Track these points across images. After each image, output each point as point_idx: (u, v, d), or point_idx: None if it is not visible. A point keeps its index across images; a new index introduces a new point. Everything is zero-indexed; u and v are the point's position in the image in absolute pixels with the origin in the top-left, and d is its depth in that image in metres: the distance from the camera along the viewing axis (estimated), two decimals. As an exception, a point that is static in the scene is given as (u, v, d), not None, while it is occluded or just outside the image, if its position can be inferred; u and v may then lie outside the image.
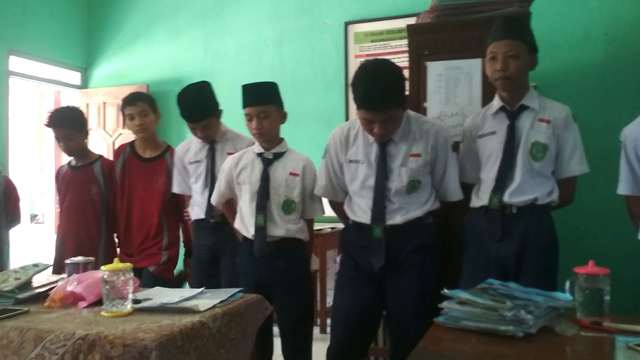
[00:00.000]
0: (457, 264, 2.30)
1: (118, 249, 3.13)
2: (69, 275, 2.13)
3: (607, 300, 1.59)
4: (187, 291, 2.07)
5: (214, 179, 2.65)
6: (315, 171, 2.47)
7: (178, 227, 3.11)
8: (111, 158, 3.34)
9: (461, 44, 2.52)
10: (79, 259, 2.24)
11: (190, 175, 2.81)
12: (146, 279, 2.79)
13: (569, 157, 2.19)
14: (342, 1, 4.52)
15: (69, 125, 3.05)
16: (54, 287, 2.04)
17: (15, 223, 3.41)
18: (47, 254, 3.30)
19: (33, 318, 1.79)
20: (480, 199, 2.24)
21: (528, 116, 2.20)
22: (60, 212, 3.29)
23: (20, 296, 2.01)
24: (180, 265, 3.18)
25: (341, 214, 2.38)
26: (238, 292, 2.06)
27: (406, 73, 2.23)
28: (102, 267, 1.83)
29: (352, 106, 4.35)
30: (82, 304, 1.92)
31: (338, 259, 2.54)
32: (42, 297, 2.01)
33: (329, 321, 3.31)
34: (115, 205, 3.10)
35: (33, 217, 9.29)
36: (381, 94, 2.02)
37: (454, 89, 2.53)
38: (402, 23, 4.04)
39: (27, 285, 2.12)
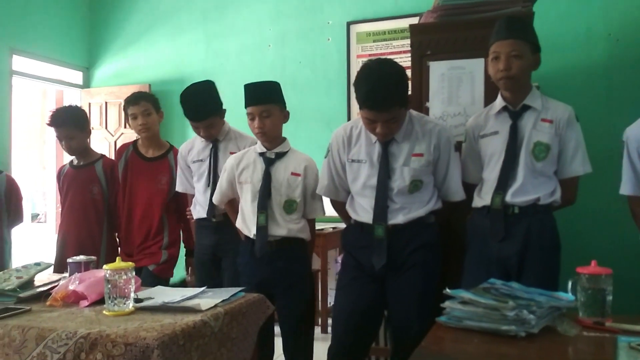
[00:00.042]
0: (459, 264, 2.30)
1: (119, 249, 3.13)
2: (70, 274, 2.13)
3: (610, 301, 1.59)
4: (188, 290, 2.07)
5: (217, 178, 2.64)
6: (317, 171, 2.46)
7: (179, 227, 3.11)
8: (113, 157, 3.34)
9: (464, 43, 2.51)
10: (81, 257, 2.24)
11: (193, 174, 2.81)
12: (145, 279, 2.79)
13: (571, 157, 2.19)
14: (344, 1, 4.52)
15: (71, 124, 3.05)
16: (55, 286, 2.04)
17: (17, 222, 3.41)
18: (49, 254, 3.30)
19: (35, 317, 1.79)
20: (483, 198, 2.24)
21: (531, 116, 2.20)
22: (61, 211, 3.29)
23: (22, 295, 2.00)
24: (182, 272, 3.17)
25: (343, 214, 2.38)
26: (240, 291, 2.06)
27: (408, 73, 2.23)
28: (105, 266, 1.83)
29: (354, 106, 4.40)
30: (84, 302, 1.92)
31: (339, 259, 2.55)
32: (44, 296, 2.01)
33: (330, 321, 3.31)
34: (117, 205, 3.11)
35: (34, 217, 9.31)
36: (384, 93, 2.02)
37: (456, 89, 2.53)
38: (404, 23, 4.05)
39: (29, 284, 2.12)
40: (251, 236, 2.41)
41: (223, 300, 1.92)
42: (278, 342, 2.51)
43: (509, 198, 2.16)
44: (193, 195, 2.84)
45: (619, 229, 2.88)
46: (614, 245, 3.30)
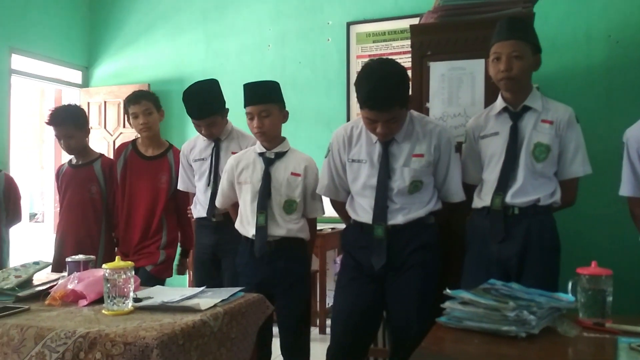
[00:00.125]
0: (459, 265, 2.30)
1: (117, 248, 3.13)
2: (69, 274, 2.13)
3: (610, 301, 1.59)
4: (188, 290, 2.07)
5: (217, 178, 2.64)
6: (316, 171, 2.46)
7: (177, 227, 3.10)
8: (112, 157, 3.33)
9: (464, 44, 2.51)
10: (80, 257, 2.23)
11: (194, 172, 2.81)
12: (142, 280, 2.78)
13: (571, 159, 2.19)
14: (344, 1, 4.53)
15: (69, 123, 3.04)
16: (54, 285, 2.03)
17: (15, 221, 3.41)
18: (47, 253, 3.29)
19: (34, 316, 1.79)
20: (483, 199, 2.24)
21: (531, 117, 2.20)
22: (60, 210, 3.28)
23: (20, 294, 2.00)
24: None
25: (343, 214, 2.38)
26: (239, 291, 2.05)
27: (409, 73, 2.22)
28: (104, 265, 1.83)
29: (354, 106, 4.41)
30: (83, 302, 1.92)
31: (338, 259, 2.54)
32: (43, 295, 2.00)
33: (328, 322, 3.31)
34: (115, 204, 3.10)
35: (32, 216, 9.29)
36: (385, 93, 2.02)
37: (456, 90, 2.53)
38: (404, 23, 4.05)
39: (27, 283, 2.12)
40: (250, 236, 2.40)
41: (222, 300, 1.91)
42: (275, 342, 2.51)
43: (509, 199, 2.16)
44: (194, 194, 2.84)
45: (619, 230, 2.89)
46: (614, 246, 3.31)
